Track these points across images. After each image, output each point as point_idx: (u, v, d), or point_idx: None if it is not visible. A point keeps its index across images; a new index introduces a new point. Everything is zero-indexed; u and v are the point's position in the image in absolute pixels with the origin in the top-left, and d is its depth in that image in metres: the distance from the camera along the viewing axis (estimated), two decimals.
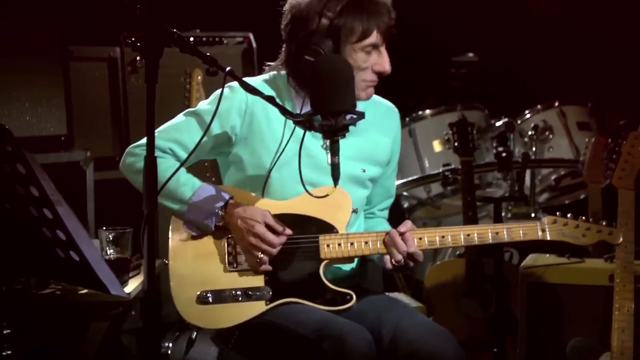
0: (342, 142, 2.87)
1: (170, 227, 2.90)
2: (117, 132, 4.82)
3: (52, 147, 4.34)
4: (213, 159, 3.06)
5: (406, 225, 2.89)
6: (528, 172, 5.22)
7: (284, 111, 2.65)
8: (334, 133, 2.66)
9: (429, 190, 5.08)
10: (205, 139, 2.82)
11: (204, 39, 5.12)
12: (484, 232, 2.90)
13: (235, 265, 2.86)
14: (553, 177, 5.23)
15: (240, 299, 2.83)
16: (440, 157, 5.04)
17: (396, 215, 5.15)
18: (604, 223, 3.00)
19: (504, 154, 4.81)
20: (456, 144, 4.59)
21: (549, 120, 5.19)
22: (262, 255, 2.81)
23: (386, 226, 3.13)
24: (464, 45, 6.03)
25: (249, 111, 2.89)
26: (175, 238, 2.88)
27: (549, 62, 5.76)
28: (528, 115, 5.27)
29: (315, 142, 2.92)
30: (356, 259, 3.01)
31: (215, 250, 2.87)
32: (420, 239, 2.87)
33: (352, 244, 2.86)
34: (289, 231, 2.83)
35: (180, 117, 2.93)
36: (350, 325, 2.73)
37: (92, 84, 4.89)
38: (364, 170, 2.99)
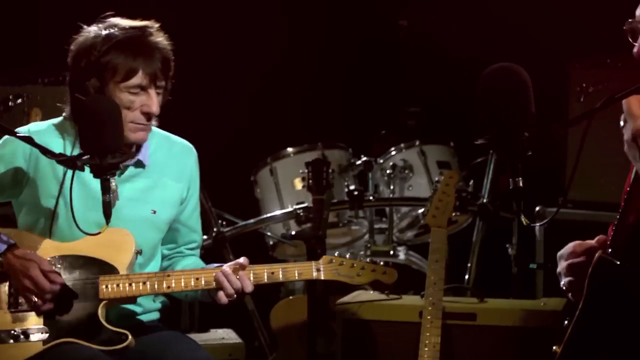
0: (129, 185, 2.99)
1: None
2: None
3: None
4: None
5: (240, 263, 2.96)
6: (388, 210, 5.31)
7: (43, 151, 2.73)
8: (102, 172, 2.73)
9: (288, 227, 5.13)
10: None
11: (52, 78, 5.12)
12: (260, 272, 2.97)
13: (16, 306, 2.91)
14: (414, 214, 5.29)
15: (19, 339, 2.88)
16: (301, 195, 5.09)
17: (262, 252, 5.27)
18: (381, 263, 3.08)
19: (355, 192, 4.90)
20: (310, 182, 4.66)
21: (409, 159, 5.26)
22: (35, 299, 2.86)
23: (199, 264, 3.18)
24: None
25: (34, 155, 2.95)
26: None
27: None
28: (393, 153, 5.35)
29: (99, 186, 2.95)
30: (150, 297, 3.10)
31: None
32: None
33: (130, 284, 2.92)
34: (60, 279, 2.88)
35: None
36: None
37: None
38: (155, 212, 3.04)
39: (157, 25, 2.98)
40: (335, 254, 3.05)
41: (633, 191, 2.06)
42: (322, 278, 3.02)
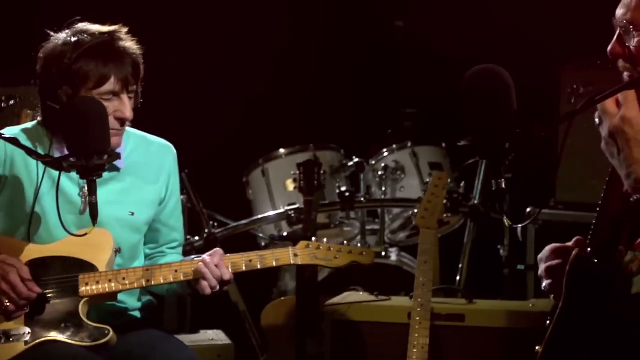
0: (106, 187, 2.98)
1: None
2: None
3: None
4: None
5: (217, 253, 2.99)
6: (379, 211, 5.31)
7: (29, 152, 2.73)
8: (89, 173, 2.73)
9: (280, 229, 5.14)
10: None
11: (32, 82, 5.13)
12: (238, 261, 2.99)
13: None
14: (406, 216, 5.30)
15: (1, 341, 2.88)
16: (293, 196, 5.10)
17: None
18: (358, 245, 3.10)
19: (346, 194, 4.91)
20: (302, 183, 4.67)
21: (401, 160, 5.27)
22: (8, 303, 2.85)
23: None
24: None
25: (8, 159, 2.96)
26: None
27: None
28: (385, 155, 5.36)
29: (73, 189, 3.00)
30: (134, 295, 3.12)
31: None
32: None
33: (110, 280, 2.94)
34: (38, 289, 2.88)
35: None
36: None
37: None
38: (133, 214, 3.05)
39: (125, 29, 2.97)
40: (312, 239, 3.05)
41: (609, 189, 2.06)
42: (300, 263, 3.04)
